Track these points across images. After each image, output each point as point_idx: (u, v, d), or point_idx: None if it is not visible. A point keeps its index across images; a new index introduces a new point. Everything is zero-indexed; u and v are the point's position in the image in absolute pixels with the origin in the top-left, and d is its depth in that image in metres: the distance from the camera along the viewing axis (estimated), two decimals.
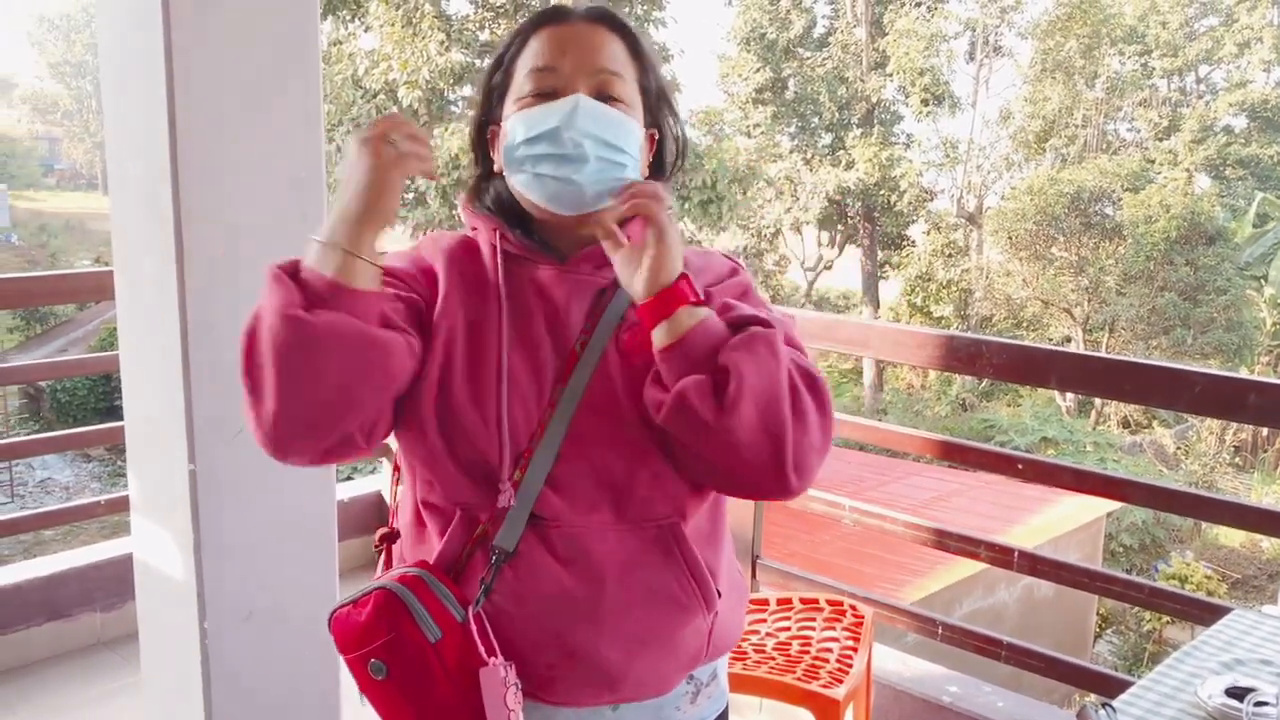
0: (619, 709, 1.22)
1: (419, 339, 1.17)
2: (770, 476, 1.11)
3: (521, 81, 1.21)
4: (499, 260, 1.23)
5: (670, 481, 1.19)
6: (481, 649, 1.14)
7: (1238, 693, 1.42)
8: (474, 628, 1.14)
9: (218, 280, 1.82)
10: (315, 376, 1.06)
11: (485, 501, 1.17)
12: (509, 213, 1.27)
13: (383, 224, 1.12)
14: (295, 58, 1.88)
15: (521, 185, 1.21)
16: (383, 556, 1.30)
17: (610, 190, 1.17)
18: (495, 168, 1.26)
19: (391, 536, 1.29)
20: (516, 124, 1.19)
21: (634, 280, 1.14)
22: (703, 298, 1.15)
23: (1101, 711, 1.36)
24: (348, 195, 1.11)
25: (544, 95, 1.19)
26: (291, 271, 1.09)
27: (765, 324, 1.14)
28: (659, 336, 1.13)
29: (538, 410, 1.18)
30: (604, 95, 1.20)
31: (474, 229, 1.31)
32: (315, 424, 1.09)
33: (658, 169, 1.30)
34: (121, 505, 2.78)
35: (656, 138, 1.29)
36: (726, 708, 1.35)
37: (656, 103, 1.28)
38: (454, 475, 1.18)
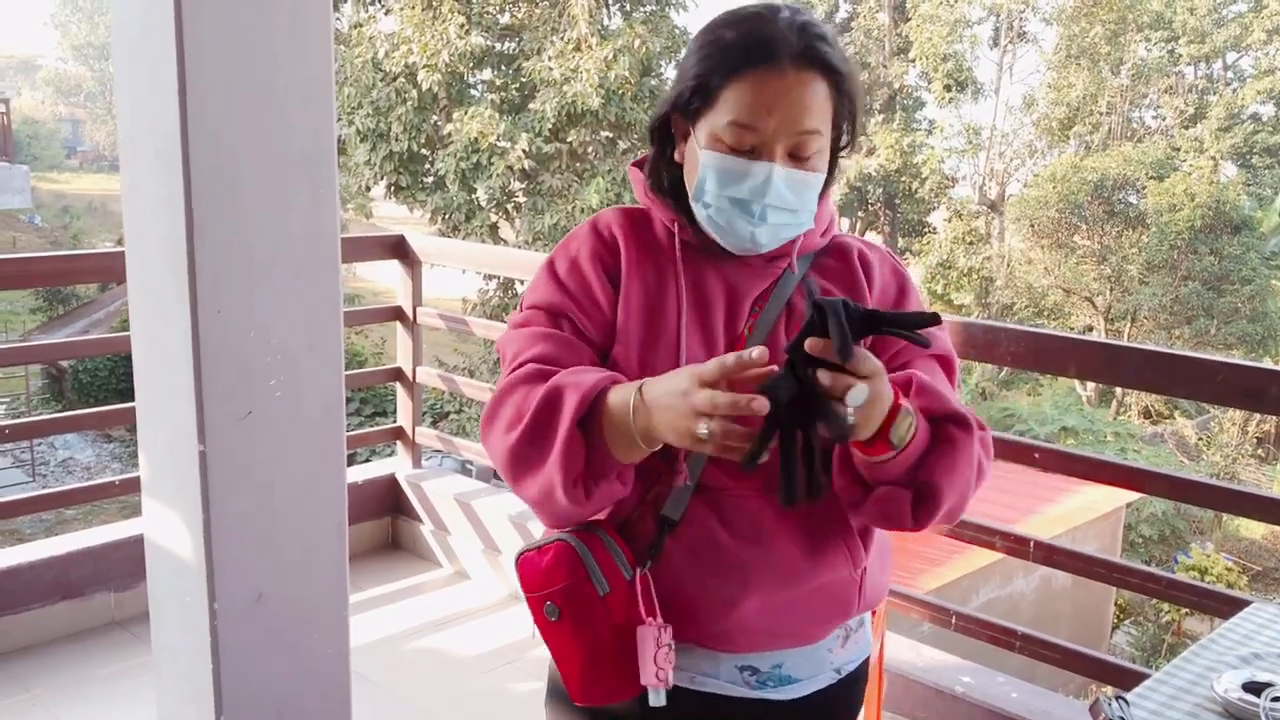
0: (778, 652, 1.32)
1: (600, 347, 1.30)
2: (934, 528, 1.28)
3: (722, 125, 1.24)
4: (678, 247, 1.32)
5: (829, 457, 1.28)
6: (642, 608, 1.25)
7: (1255, 687, 1.40)
8: (639, 588, 1.26)
9: (229, 261, 1.81)
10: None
11: (655, 470, 1.27)
12: (684, 198, 1.32)
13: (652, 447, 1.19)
14: (307, 36, 1.86)
15: (702, 219, 1.29)
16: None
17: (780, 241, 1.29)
18: (675, 156, 1.33)
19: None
20: (709, 169, 1.26)
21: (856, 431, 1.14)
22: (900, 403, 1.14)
23: (1115, 704, 1.34)
24: (654, 420, 1.13)
25: (742, 151, 1.24)
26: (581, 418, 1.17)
27: (961, 420, 1.22)
28: (862, 459, 1.20)
29: None
30: (798, 155, 1.25)
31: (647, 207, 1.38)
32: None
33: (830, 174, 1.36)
34: (135, 485, 2.79)
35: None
36: (868, 655, 1.46)
37: (849, 125, 1.31)
38: None
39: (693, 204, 1.30)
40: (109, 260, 3.37)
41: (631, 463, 1.21)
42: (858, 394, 1.05)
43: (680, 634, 1.28)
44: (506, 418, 1.24)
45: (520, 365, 1.28)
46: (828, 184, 1.35)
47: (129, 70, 1.88)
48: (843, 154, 1.34)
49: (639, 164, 1.40)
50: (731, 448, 1.08)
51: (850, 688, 1.41)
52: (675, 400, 1.10)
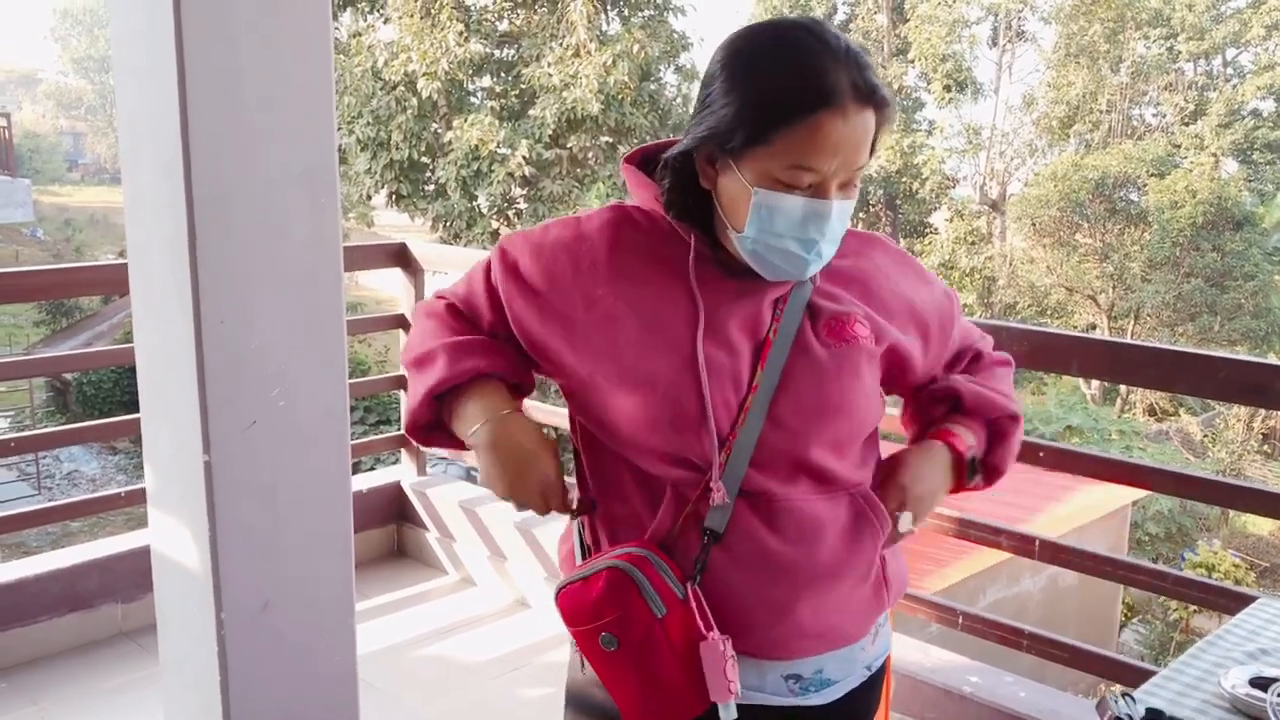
0: (821, 656, 1.33)
1: (530, 365, 1.36)
2: None
3: (781, 167, 1.20)
4: (692, 260, 1.29)
5: (861, 453, 1.33)
6: (700, 624, 1.24)
7: (1262, 682, 1.40)
8: (693, 603, 1.25)
9: (231, 271, 1.82)
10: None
11: (693, 481, 1.26)
12: (701, 220, 1.30)
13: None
14: (308, 45, 1.87)
15: (745, 251, 1.26)
16: (584, 524, 1.38)
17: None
18: (702, 181, 1.28)
19: (591, 505, 1.36)
20: (767, 209, 1.22)
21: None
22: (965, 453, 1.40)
23: (1122, 701, 1.34)
24: (486, 462, 1.31)
25: (799, 187, 1.21)
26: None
27: (1014, 417, 1.44)
28: None
29: (736, 398, 1.26)
30: (847, 186, 1.24)
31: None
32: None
33: None
34: (140, 497, 2.79)
35: None
36: (889, 651, 1.48)
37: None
38: (661, 459, 1.27)
39: (732, 235, 1.26)
40: (110, 272, 3.38)
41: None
42: (905, 521, 1.32)
43: (735, 646, 1.26)
44: (414, 336, 1.41)
45: (453, 299, 1.41)
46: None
47: (130, 82, 1.89)
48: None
49: (632, 159, 1.37)
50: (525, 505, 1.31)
51: (875, 685, 1.43)
52: (519, 463, 1.29)
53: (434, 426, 1.38)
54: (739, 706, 1.27)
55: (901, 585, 1.43)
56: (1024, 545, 2.55)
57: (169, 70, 1.73)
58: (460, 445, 1.36)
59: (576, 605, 1.27)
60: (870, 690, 1.42)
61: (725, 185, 1.25)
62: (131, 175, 1.91)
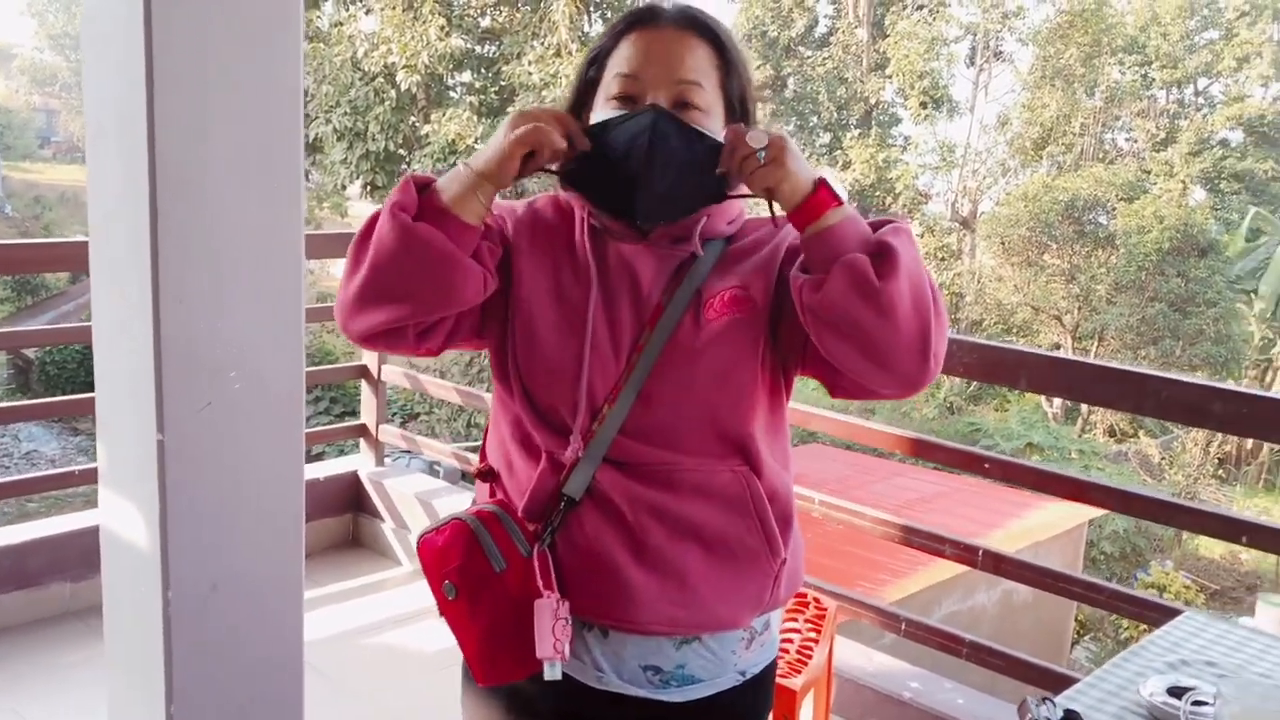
0: (681, 647, 1.33)
1: (496, 280, 1.32)
2: (915, 357, 1.21)
3: (609, 82, 1.33)
4: (587, 234, 1.36)
5: (739, 437, 1.32)
6: (540, 583, 1.27)
7: (1178, 691, 1.44)
8: (536, 564, 1.28)
9: (192, 252, 1.82)
10: (396, 269, 1.25)
11: (564, 446, 1.31)
12: (596, 188, 1.35)
13: (498, 184, 1.29)
14: (277, 29, 1.88)
15: (596, 191, 1.34)
16: (484, 492, 1.43)
17: None
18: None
19: (489, 474, 1.42)
20: (599, 125, 1.31)
21: (778, 198, 1.25)
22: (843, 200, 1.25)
23: (1043, 707, 1.38)
24: (484, 154, 1.28)
25: (625, 100, 1.31)
26: (421, 184, 1.29)
27: (898, 225, 1.27)
28: (811, 229, 1.23)
29: (616, 370, 1.31)
30: (681, 103, 1.30)
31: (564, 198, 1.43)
32: (380, 305, 1.28)
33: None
34: (96, 476, 2.79)
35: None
36: (775, 659, 1.46)
37: (739, 105, 1.37)
38: (540, 424, 1.33)
39: (589, 186, 1.35)
40: (73, 249, 3.36)
41: (460, 213, 1.27)
42: (757, 136, 1.22)
43: (583, 612, 1.29)
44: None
45: None
46: (734, 182, 1.37)
47: (97, 59, 1.90)
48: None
49: None
50: (543, 140, 1.26)
51: (755, 691, 1.41)
52: (499, 132, 1.29)
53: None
54: (600, 692, 1.32)
55: (793, 590, 1.41)
56: (968, 555, 2.60)
57: (136, 48, 1.73)
58: (447, 218, 1.28)
59: (427, 553, 1.36)
60: (745, 698, 1.39)
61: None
62: (96, 152, 1.92)
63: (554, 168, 1.34)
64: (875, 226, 1.26)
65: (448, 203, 1.27)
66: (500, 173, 1.27)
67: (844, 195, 1.25)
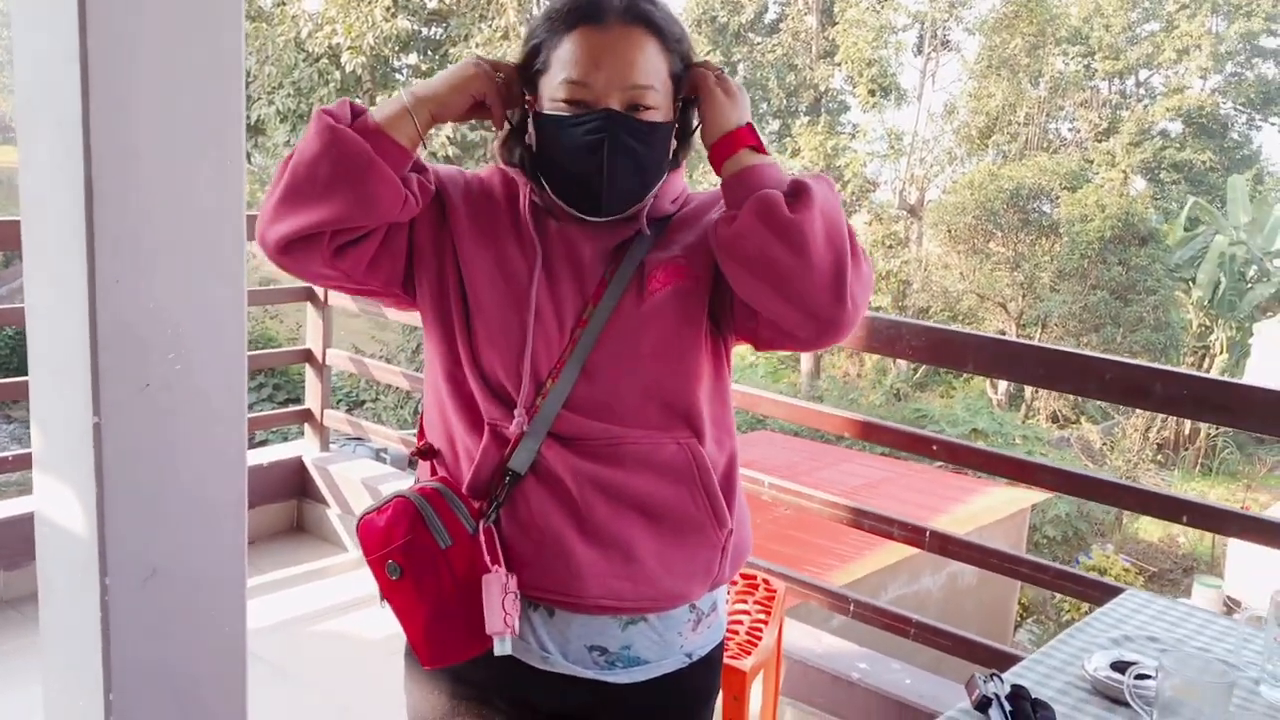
0: (627, 628, 1.32)
1: (419, 206, 1.31)
2: (829, 294, 1.20)
3: (557, 85, 1.29)
4: (529, 211, 1.34)
5: (683, 408, 1.31)
6: (487, 558, 1.26)
7: (1121, 666, 1.46)
8: (482, 540, 1.27)
9: (129, 231, 1.78)
10: (315, 170, 1.25)
11: (508, 419, 1.30)
12: (537, 165, 1.35)
13: (443, 112, 1.30)
14: (217, 3, 1.84)
15: (551, 186, 1.33)
16: (425, 470, 1.41)
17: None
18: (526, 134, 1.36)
19: (429, 452, 1.40)
20: (551, 127, 1.29)
21: (705, 124, 1.30)
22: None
23: (990, 682, 1.39)
24: (432, 83, 1.30)
25: (577, 104, 1.28)
26: (357, 110, 1.29)
27: (820, 175, 1.29)
28: (728, 169, 1.26)
29: (559, 345, 1.30)
30: (634, 106, 1.28)
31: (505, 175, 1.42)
32: (297, 209, 1.26)
33: (682, 136, 1.39)
34: (29, 462, 2.72)
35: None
36: (723, 641, 1.45)
37: (684, 74, 1.35)
38: (485, 399, 1.31)
39: (538, 172, 1.34)
40: (3, 229, 3.27)
41: (390, 130, 1.27)
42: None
43: (529, 588, 1.28)
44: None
45: None
46: (679, 157, 1.38)
47: (28, 35, 1.84)
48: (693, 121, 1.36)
49: None
50: (501, 103, 1.30)
51: (703, 673, 1.40)
52: (458, 66, 1.31)
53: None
54: (545, 673, 1.31)
55: (739, 565, 1.41)
56: (915, 536, 2.62)
57: (70, 24, 1.68)
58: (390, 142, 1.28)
59: (368, 533, 1.34)
60: (699, 677, 1.39)
61: (532, 124, 1.33)
62: (28, 130, 1.86)
63: (499, 136, 1.34)
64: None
65: (380, 120, 1.27)
66: (447, 102, 1.29)
67: (770, 154, 1.28)
